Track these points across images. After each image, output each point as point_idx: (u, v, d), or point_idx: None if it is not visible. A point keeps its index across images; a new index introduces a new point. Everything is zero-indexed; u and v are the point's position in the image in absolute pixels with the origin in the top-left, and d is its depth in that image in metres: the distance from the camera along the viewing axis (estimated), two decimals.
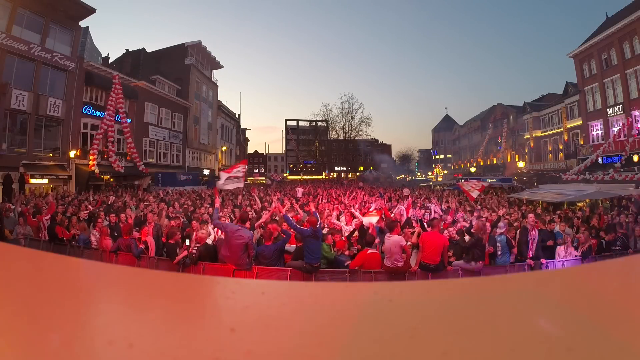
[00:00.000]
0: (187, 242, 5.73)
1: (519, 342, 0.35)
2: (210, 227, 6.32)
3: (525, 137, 33.75)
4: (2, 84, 14.53)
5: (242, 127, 48.00)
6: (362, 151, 55.66)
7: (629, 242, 6.42)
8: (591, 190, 13.43)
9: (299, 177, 48.33)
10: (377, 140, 59.47)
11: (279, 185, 32.27)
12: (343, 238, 6.20)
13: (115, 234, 6.48)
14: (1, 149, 14.70)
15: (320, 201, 10.51)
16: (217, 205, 6.01)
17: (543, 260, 5.84)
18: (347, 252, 5.85)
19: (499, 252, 5.80)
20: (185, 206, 9.86)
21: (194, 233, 5.94)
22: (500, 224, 6.12)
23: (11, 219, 7.87)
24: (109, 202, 9.65)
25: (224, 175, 7.34)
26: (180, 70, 28.68)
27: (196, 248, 5.52)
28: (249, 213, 7.38)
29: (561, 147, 28.57)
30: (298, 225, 5.88)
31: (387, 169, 57.72)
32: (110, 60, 27.41)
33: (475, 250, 5.41)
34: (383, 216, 7.10)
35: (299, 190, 13.85)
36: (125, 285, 0.53)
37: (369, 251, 5.31)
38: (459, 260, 5.66)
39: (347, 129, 52.34)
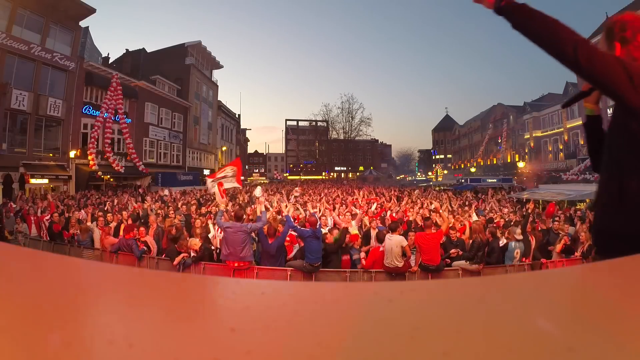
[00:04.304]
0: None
1: (519, 342, 0.35)
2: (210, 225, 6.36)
3: (526, 137, 33.76)
4: (2, 84, 14.53)
5: (242, 127, 48.04)
6: (362, 151, 55.62)
7: None
8: (591, 190, 13.43)
9: (299, 177, 48.35)
10: (377, 140, 59.48)
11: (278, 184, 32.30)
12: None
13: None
14: (1, 149, 14.70)
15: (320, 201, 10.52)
16: (222, 208, 6.09)
17: (544, 260, 5.84)
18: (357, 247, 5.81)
19: (517, 258, 5.65)
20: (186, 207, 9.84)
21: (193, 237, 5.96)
22: (517, 230, 6.01)
23: (11, 219, 7.88)
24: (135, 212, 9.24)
25: (208, 181, 7.38)
26: (180, 70, 28.67)
27: (195, 254, 5.54)
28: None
29: (561, 147, 28.57)
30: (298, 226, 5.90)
31: (387, 169, 57.72)
32: (110, 60, 27.43)
33: (478, 254, 5.41)
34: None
35: (297, 190, 13.86)
36: (125, 285, 0.53)
37: (381, 249, 5.36)
38: (460, 260, 5.66)
39: (347, 129, 52.37)
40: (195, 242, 5.65)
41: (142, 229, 6.15)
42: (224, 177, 7.34)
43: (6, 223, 7.47)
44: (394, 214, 7.88)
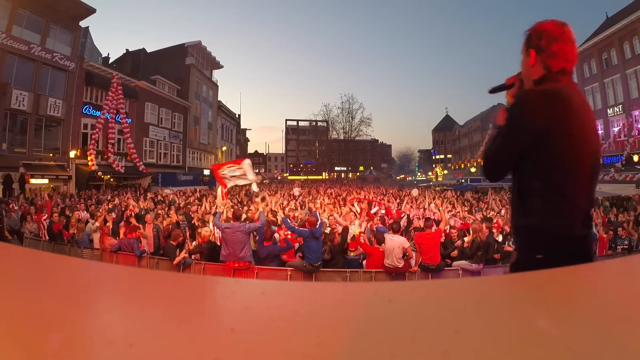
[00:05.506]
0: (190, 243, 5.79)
1: (519, 342, 0.35)
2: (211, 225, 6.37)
3: None
4: (2, 84, 14.52)
5: (242, 127, 48.01)
6: (362, 151, 55.64)
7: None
8: None
9: (300, 177, 48.38)
10: (377, 140, 59.52)
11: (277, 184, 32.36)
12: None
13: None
14: (1, 149, 14.69)
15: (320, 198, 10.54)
16: (220, 209, 6.08)
17: None
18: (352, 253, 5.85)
19: None
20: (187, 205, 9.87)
21: (197, 232, 6.00)
22: None
23: (12, 219, 7.88)
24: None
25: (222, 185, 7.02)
26: (180, 70, 28.65)
27: (199, 244, 5.57)
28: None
29: None
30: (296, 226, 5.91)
31: (387, 169, 57.76)
32: (111, 60, 27.41)
33: (478, 253, 5.42)
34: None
35: (297, 189, 13.87)
36: (125, 285, 0.53)
37: (381, 249, 5.39)
38: (460, 260, 5.66)
39: (347, 129, 52.42)
40: (207, 231, 5.70)
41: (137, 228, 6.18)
42: (241, 176, 7.01)
43: (9, 222, 7.47)
44: (393, 211, 7.93)
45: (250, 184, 7.81)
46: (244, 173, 6.78)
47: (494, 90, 1.41)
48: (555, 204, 1.14)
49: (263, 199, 8.46)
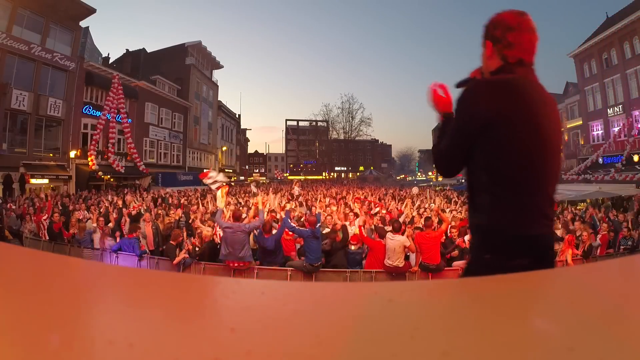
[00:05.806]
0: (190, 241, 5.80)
1: (519, 342, 0.35)
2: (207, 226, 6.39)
3: None
4: (2, 84, 14.52)
5: (242, 127, 48.01)
6: (362, 151, 55.65)
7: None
8: (591, 190, 13.45)
9: (300, 177, 48.39)
10: (377, 140, 59.54)
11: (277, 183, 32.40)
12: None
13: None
14: (1, 149, 14.69)
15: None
16: (221, 206, 6.05)
17: None
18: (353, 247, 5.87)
19: None
20: (185, 203, 9.92)
21: (197, 231, 6.00)
22: None
23: (12, 218, 7.88)
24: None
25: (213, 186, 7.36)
26: (181, 70, 28.65)
27: (199, 247, 5.58)
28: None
29: (561, 147, 28.60)
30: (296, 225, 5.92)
31: (387, 169, 57.81)
32: (111, 60, 27.41)
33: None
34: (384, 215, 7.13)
35: (297, 188, 13.90)
36: (125, 285, 0.53)
37: (383, 242, 5.40)
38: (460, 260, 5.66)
39: (347, 129, 52.44)
40: (209, 232, 5.70)
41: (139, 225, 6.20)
42: (214, 182, 7.44)
43: (9, 222, 7.47)
44: (395, 210, 7.95)
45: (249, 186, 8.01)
46: (215, 180, 7.16)
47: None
48: (503, 199, 1.06)
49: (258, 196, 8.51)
